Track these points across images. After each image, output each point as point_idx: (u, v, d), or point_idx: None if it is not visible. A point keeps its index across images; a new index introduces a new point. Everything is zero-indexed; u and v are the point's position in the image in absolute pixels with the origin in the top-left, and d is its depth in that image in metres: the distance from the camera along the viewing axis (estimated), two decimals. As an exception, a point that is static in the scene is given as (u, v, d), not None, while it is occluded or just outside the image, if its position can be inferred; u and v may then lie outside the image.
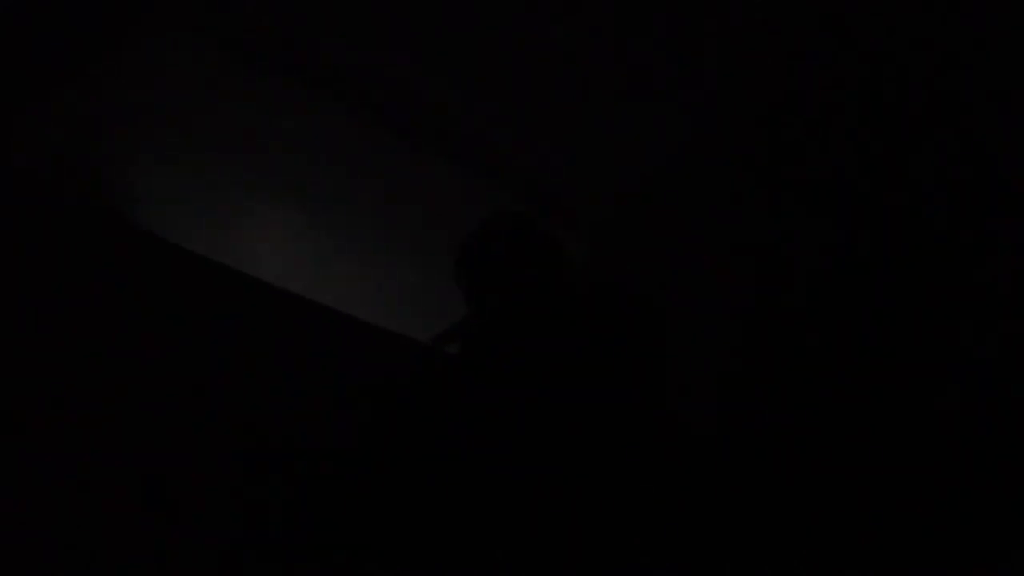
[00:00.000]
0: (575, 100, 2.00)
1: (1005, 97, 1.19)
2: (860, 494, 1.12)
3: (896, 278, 1.28)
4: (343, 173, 2.14)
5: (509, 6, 1.76)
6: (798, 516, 1.16)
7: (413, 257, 2.49)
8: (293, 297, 1.18)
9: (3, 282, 0.92)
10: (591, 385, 1.21)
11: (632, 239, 2.19)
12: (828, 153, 1.52)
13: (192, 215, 2.18)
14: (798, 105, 1.66)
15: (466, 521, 1.08)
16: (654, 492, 1.19)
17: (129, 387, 0.94)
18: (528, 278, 1.29)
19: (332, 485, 1.03)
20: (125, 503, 0.85)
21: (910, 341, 1.18)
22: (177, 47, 1.72)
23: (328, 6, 1.75)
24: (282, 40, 1.82)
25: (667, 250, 1.98)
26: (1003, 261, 1.10)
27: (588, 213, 2.34)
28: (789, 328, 1.47)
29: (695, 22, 1.77)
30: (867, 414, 1.19)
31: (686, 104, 1.99)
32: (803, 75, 1.66)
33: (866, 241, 1.36)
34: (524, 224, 1.35)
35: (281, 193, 2.18)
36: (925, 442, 1.08)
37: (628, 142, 2.12)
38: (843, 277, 1.39)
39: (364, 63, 1.89)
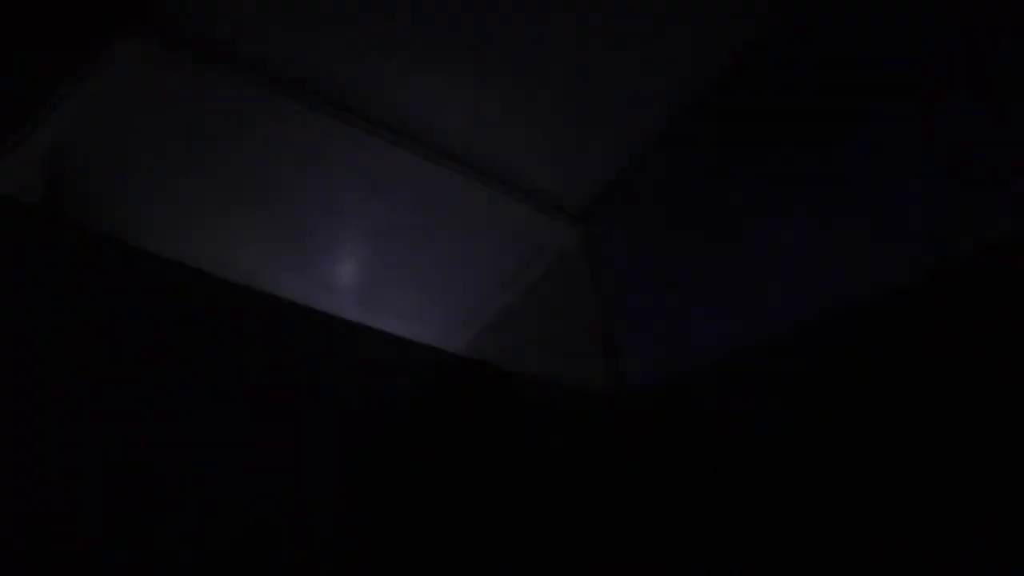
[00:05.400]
0: (556, 89, 2.00)
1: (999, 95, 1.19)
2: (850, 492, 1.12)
3: (884, 274, 1.28)
4: (326, 176, 2.14)
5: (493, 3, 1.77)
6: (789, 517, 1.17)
7: (399, 257, 2.49)
8: (277, 300, 1.18)
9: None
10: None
11: (618, 228, 2.19)
12: (812, 137, 1.52)
13: (174, 220, 2.19)
14: (779, 89, 1.66)
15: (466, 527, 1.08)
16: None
17: (112, 397, 0.94)
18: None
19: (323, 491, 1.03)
20: (121, 510, 0.85)
21: (902, 332, 1.18)
22: (153, 57, 1.72)
23: (307, 13, 1.75)
24: (259, 45, 1.82)
25: (656, 240, 1.99)
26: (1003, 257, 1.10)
27: (573, 203, 2.34)
28: (777, 320, 1.47)
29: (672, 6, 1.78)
30: (864, 407, 1.19)
31: (668, 89, 2.00)
32: (785, 60, 1.67)
33: (856, 236, 1.37)
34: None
35: (265, 197, 2.19)
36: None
37: (612, 131, 2.13)
38: (833, 272, 1.40)
39: (343, 64, 1.89)
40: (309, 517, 0.97)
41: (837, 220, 1.44)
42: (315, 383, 1.11)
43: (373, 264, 2.54)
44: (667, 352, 1.82)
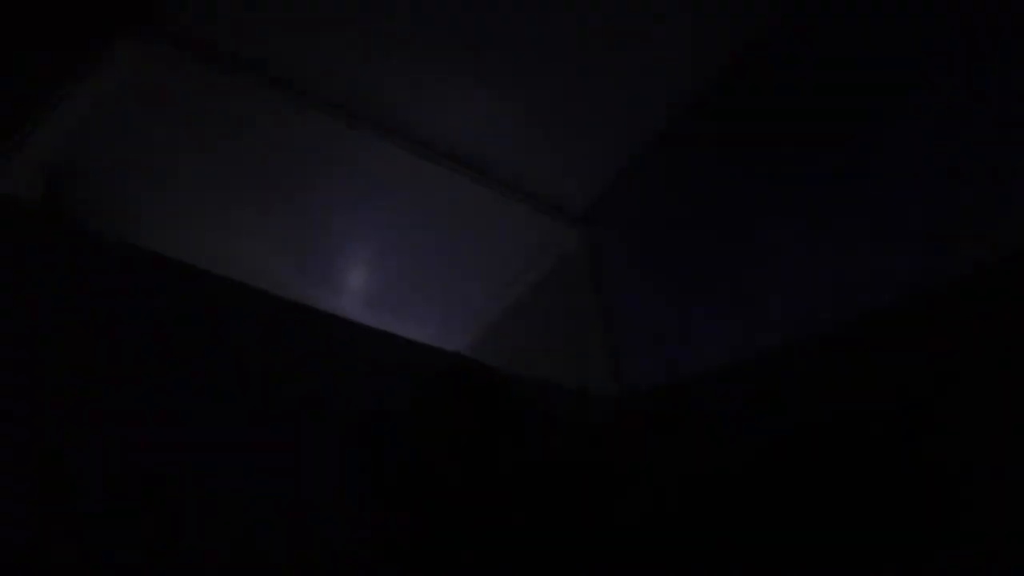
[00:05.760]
0: (556, 90, 2.00)
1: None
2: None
3: (885, 275, 1.28)
4: (326, 176, 2.14)
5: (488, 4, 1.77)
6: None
7: (400, 257, 2.49)
8: (278, 300, 1.18)
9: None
10: None
11: (619, 230, 2.19)
12: (812, 137, 1.52)
13: (175, 221, 2.19)
14: (779, 89, 1.66)
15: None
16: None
17: (112, 397, 0.94)
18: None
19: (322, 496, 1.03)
20: (121, 511, 0.85)
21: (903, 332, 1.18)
22: (154, 57, 1.72)
23: (308, 14, 1.75)
24: (259, 46, 1.82)
25: (657, 242, 1.99)
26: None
27: (573, 205, 2.34)
28: (777, 321, 1.47)
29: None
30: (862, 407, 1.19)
31: (669, 90, 1.99)
32: (785, 58, 1.66)
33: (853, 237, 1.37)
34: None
35: (265, 198, 2.19)
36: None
37: (612, 132, 2.13)
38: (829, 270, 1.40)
39: (344, 65, 1.89)
40: (309, 517, 0.97)
41: (838, 221, 1.44)
42: (315, 383, 1.11)
43: (373, 264, 2.54)
44: (668, 354, 1.82)
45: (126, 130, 1.85)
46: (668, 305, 1.86)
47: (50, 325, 0.94)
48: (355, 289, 2.62)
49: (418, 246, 2.44)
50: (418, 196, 2.24)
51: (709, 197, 1.83)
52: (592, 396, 1.85)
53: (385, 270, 2.55)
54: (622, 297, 2.08)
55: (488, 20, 1.80)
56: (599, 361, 2.02)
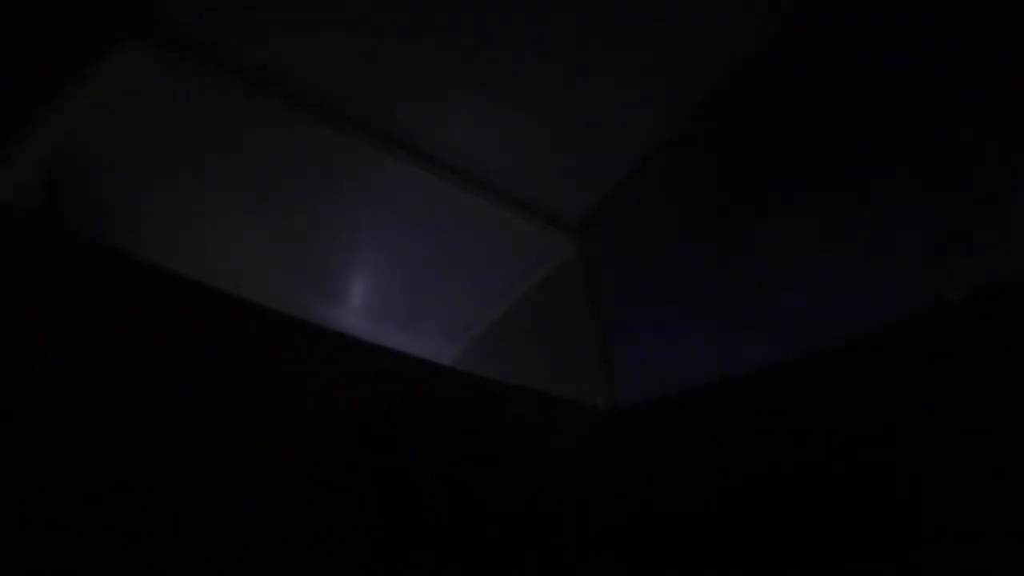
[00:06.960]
0: (555, 101, 2.00)
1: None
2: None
3: (890, 287, 1.28)
4: (325, 182, 2.15)
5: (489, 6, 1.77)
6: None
7: (399, 267, 2.50)
8: (266, 311, 1.18)
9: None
10: None
11: (616, 241, 2.19)
12: (814, 149, 1.52)
13: (175, 224, 2.19)
14: (778, 101, 1.66)
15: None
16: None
17: (111, 403, 0.94)
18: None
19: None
20: (120, 511, 0.85)
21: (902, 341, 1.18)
22: (155, 59, 1.72)
23: (311, 22, 1.75)
24: (260, 50, 1.82)
25: (654, 254, 1.98)
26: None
27: (571, 216, 2.35)
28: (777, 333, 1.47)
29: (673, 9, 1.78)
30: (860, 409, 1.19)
31: (667, 99, 2.00)
32: (785, 67, 1.66)
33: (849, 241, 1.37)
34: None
35: (265, 205, 2.19)
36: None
37: (610, 145, 2.13)
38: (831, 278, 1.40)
39: (345, 75, 1.90)
40: (307, 518, 0.97)
41: (839, 231, 1.43)
42: (309, 394, 1.11)
43: (371, 273, 2.54)
44: (664, 365, 1.81)
45: (126, 130, 1.86)
46: (665, 316, 1.86)
47: (49, 327, 0.94)
48: (353, 297, 2.63)
49: (417, 256, 2.44)
50: (417, 207, 2.24)
51: (709, 210, 1.83)
52: (587, 408, 1.85)
53: (383, 278, 2.55)
54: (619, 307, 2.08)
55: (490, 36, 1.81)
56: (595, 372, 2.02)
